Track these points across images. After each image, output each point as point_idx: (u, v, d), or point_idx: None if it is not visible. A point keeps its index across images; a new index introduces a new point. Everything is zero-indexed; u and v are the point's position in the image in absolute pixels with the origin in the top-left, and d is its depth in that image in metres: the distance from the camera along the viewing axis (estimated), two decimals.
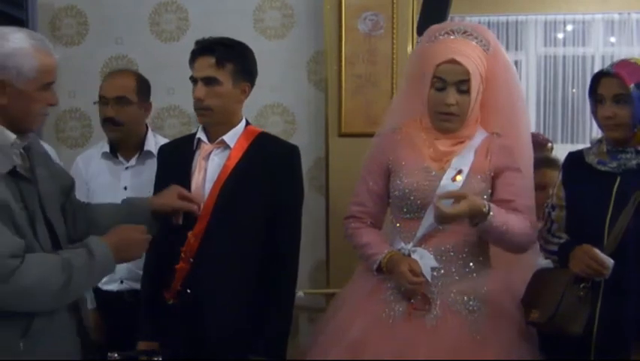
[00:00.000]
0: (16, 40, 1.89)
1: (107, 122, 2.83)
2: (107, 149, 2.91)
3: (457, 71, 2.20)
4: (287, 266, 2.39)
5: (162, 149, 2.59)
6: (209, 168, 2.38)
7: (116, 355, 2.18)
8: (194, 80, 2.38)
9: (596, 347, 2.10)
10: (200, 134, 2.43)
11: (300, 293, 3.41)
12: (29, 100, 1.92)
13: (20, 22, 3.41)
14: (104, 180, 2.87)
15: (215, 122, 2.39)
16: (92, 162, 2.94)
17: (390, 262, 2.23)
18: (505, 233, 2.16)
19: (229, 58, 2.34)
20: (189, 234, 2.32)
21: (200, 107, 2.36)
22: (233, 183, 2.34)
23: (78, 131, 3.66)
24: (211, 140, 2.41)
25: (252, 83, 2.45)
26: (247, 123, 2.47)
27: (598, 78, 2.18)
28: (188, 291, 2.33)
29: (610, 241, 2.07)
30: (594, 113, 2.22)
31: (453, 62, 2.20)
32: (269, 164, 2.37)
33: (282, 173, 2.38)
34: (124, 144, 2.89)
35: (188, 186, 2.36)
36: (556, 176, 2.41)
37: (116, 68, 3.48)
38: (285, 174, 2.39)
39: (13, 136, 1.92)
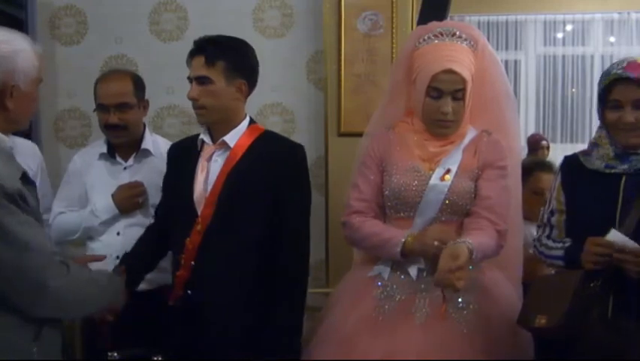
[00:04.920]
0: (18, 42, 1.89)
1: (111, 128, 2.82)
2: (104, 150, 2.90)
3: (454, 80, 2.20)
4: (294, 265, 2.31)
5: (171, 149, 2.57)
6: (212, 170, 2.35)
7: (115, 354, 2.18)
8: (189, 79, 2.37)
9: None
10: (204, 136, 2.40)
11: None
12: (31, 100, 1.94)
13: (20, 21, 3.40)
14: (103, 180, 2.86)
15: (214, 121, 2.37)
16: (90, 161, 2.93)
17: (415, 242, 2.17)
18: (482, 259, 2.18)
19: (219, 56, 2.31)
20: (187, 241, 2.31)
21: (196, 107, 2.35)
22: (232, 184, 2.31)
23: (77, 130, 3.66)
24: (214, 141, 2.38)
25: (249, 80, 2.39)
26: (251, 122, 2.42)
27: (612, 84, 2.13)
28: (189, 292, 2.32)
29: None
30: (603, 118, 2.18)
31: (449, 72, 2.19)
32: (271, 163, 2.32)
33: (286, 173, 2.33)
34: (124, 145, 2.88)
35: (191, 189, 2.34)
36: (552, 180, 2.39)
37: (113, 68, 3.47)
38: (289, 174, 2.34)
39: (5, 139, 1.90)
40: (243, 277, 2.29)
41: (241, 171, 2.32)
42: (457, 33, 2.26)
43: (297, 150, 2.41)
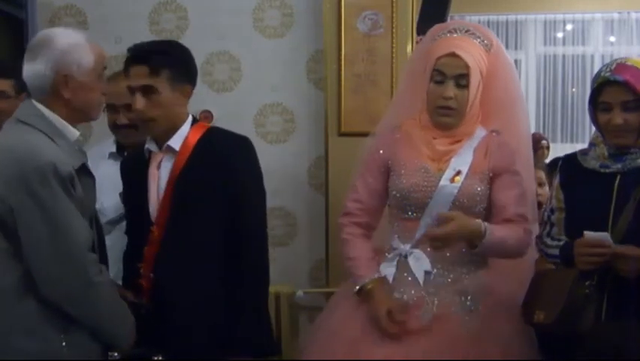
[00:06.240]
0: (70, 36, 2.05)
1: (120, 127, 2.80)
2: (113, 149, 2.91)
3: (457, 64, 2.21)
4: (252, 263, 2.30)
5: (122, 164, 2.55)
6: (162, 177, 2.33)
7: (116, 354, 2.18)
8: (131, 89, 2.31)
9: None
10: (149, 144, 2.36)
11: (299, 293, 3.42)
12: (89, 90, 2.06)
13: (20, 21, 3.41)
14: (110, 179, 2.86)
15: (162, 131, 2.32)
16: (99, 160, 2.93)
17: (371, 294, 2.22)
18: (502, 248, 2.18)
19: (163, 64, 2.27)
20: (145, 249, 2.31)
21: (143, 120, 2.29)
22: (182, 188, 2.28)
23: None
24: (160, 147, 2.35)
25: (193, 83, 2.37)
26: (194, 121, 2.38)
27: (601, 86, 2.14)
28: (154, 300, 2.30)
29: (613, 239, 2.07)
30: (595, 119, 2.20)
31: (453, 55, 2.21)
32: (218, 160, 2.29)
33: (235, 167, 2.29)
34: (133, 145, 2.88)
35: (146, 199, 2.33)
36: (542, 176, 2.40)
37: (117, 69, 3.46)
38: (238, 168, 2.30)
39: (77, 133, 2.07)
40: (204, 279, 2.28)
41: (189, 173, 2.29)
42: (471, 30, 2.30)
43: (243, 142, 2.37)
